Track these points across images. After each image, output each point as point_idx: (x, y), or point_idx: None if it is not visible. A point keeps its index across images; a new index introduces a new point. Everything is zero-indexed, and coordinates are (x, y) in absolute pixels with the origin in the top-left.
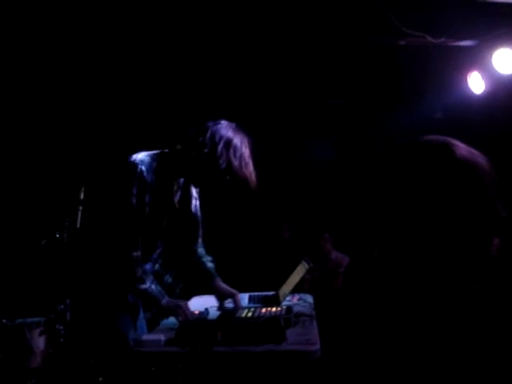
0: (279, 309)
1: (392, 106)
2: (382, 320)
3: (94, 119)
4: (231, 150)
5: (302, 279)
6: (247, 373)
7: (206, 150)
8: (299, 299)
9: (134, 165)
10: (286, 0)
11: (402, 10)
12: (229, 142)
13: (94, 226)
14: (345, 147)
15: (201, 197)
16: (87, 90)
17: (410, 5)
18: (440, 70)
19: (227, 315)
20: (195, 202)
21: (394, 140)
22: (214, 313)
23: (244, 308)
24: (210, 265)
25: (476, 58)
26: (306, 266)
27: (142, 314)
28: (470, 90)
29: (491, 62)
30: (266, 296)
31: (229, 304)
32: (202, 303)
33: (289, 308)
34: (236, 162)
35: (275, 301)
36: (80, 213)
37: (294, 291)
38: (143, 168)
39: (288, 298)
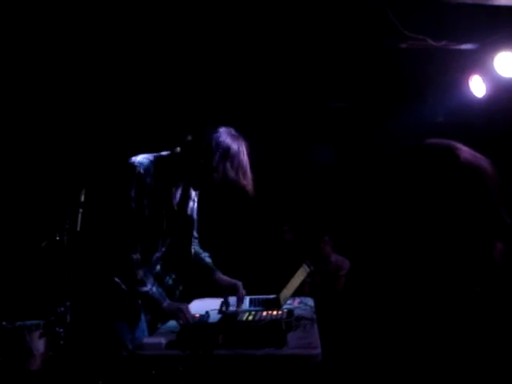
0: (280, 312)
1: (393, 109)
2: (383, 323)
3: (95, 122)
4: (228, 160)
5: (303, 282)
6: (248, 376)
7: (202, 160)
8: (300, 302)
9: (133, 167)
10: (289, 3)
11: (404, 13)
12: (226, 152)
13: (94, 229)
14: (346, 150)
15: (200, 199)
16: (87, 92)
17: (411, 8)
18: (441, 73)
19: (228, 318)
20: (192, 204)
21: (395, 143)
22: (214, 316)
23: (245, 311)
24: (207, 260)
25: (477, 61)
26: (307, 269)
27: (143, 317)
28: (471, 93)
29: (493, 65)
30: (267, 299)
31: (230, 307)
32: (202, 306)
33: (290, 311)
34: (232, 173)
35: (276, 304)
36: (80, 215)
37: (294, 294)
38: (142, 170)
39: (289, 302)
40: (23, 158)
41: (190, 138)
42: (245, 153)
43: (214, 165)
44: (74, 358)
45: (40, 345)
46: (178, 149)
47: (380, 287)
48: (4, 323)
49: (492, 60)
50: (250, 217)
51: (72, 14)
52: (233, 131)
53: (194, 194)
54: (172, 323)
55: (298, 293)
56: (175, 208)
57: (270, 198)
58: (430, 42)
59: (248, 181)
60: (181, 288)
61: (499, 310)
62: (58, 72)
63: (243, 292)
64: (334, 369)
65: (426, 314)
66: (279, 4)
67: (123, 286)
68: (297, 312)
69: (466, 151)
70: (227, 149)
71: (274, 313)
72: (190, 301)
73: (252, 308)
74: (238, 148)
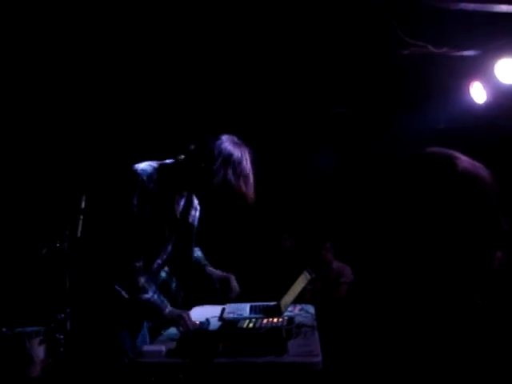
0: (281, 320)
1: (394, 115)
2: (383, 332)
3: (95, 128)
4: (230, 167)
5: (304, 289)
6: None
7: (203, 165)
8: (301, 310)
9: (136, 174)
10: (290, 8)
11: (405, 20)
12: (228, 159)
13: (95, 236)
14: (347, 156)
15: (201, 207)
16: (89, 98)
17: (412, 14)
18: (442, 80)
19: (228, 326)
20: (194, 213)
21: (396, 149)
22: (214, 323)
23: (245, 318)
24: (197, 253)
25: (478, 67)
26: (308, 276)
27: (144, 324)
28: (472, 99)
29: (493, 72)
30: (268, 306)
31: (230, 315)
32: (202, 313)
33: (290, 319)
34: (234, 180)
35: (277, 311)
36: (81, 222)
37: (295, 302)
38: (145, 177)
39: (289, 309)
40: (24, 164)
41: (193, 146)
42: (248, 160)
43: (214, 170)
44: (74, 365)
45: (40, 351)
46: (182, 157)
47: (380, 296)
48: (4, 329)
49: (493, 67)
50: (251, 223)
51: (76, 19)
52: (235, 139)
53: (196, 202)
54: (173, 330)
55: (298, 300)
56: (178, 216)
57: (270, 205)
58: (431, 48)
59: (249, 188)
60: (182, 295)
61: (499, 321)
62: (59, 77)
63: (236, 284)
64: (335, 377)
65: (426, 325)
66: (281, 10)
67: (124, 294)
68: (297, 319)
69: (464, 160)
70: (229, 155)
71: (275, 320)
72: (190, 308)
73: (252, 315)
74: (241, 155)
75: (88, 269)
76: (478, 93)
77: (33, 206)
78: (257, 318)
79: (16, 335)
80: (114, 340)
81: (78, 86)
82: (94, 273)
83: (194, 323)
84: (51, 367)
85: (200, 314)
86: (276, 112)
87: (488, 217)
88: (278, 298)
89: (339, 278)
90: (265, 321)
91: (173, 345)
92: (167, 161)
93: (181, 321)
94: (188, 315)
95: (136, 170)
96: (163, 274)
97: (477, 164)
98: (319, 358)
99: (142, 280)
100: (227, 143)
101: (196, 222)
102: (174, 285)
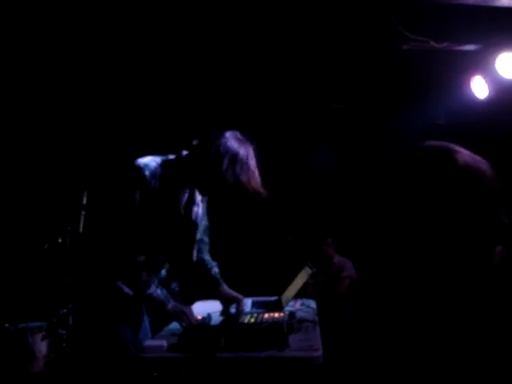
0: (282, 314)
1: (395, 110)
2: (384, 327)
3: (96, 123)
4: (238, 165)
5: (305, 284)
6: (250, 379)
7: (211, 165)
8: (302, 304)
9: (139, 169)
10: (291, 5)
11: (406, 15)
12: (235, 156)
13: (98, 231)
14: (347, 152)
15: (207, 203)
16: (90, 93)
17: (413, 9)
18: (443, 75)
19: (230, 321)
20: (196, 209)
21: (396, 145)
22: (216, 318)
23: (247, 313)
24: (215, 270)
25: (479, 62)
26: (309, 271)
27: (146, 319)
28: (473, 94)
29: (494, 67)
30: (269, 301)
31: (232, 309)
32: (204, 308)
33: (291, 313)
34: (244, 177)
35: (278, 306)
36: (82, 217)
37: (296, 296)
38: (147, 173)
39: (291, 304)
40: (25, 161)
41: (196, 142)
42: (253, 156)
43: (223, 170)
44: (77, 360)
45: (42, 347)
46: (185, 152)
47: (381, 291)
48: (7, 325)
49: (494, 61)
50: (253, 218)
51: (78, 17)
52: (239, 135)
53: (198, 199)
54: (174, 325)
55: (300, 294)
56: (182, 211)
57: (272, 200)
58: (432, 43)
59: (258, 184)
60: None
61: (501, 316)
62: (60, 72)
63: (243, 307)
64: (336, 371)
65: (426, 320)
66: (281, 6)
67: (126, 290)
68: (299, 314)
69: (464, 154)
70: (235, 153)
71: (276, 315)
72: (191, 302)
73: (254, 310)
74: (246, 152)
75: (90, 264)
76: (479, 87)
77: (35, 201)
78: (258, 313)
79: (19, 330)
80: (116, 335)
81: (79, 80)
82: (96, 268)
83: (196, 318)
84: (54, 362)
85: (201, 308)
86: (276, 108)
87: (488, 210)
88: (280, 292)
89: (340, 272)
90: (266, 315)
91: (174, 340)
92: (170, 156)
93: (183, 316)
94: (190, 310)
95: (139, 165)
96: (163, 272)
97: (477, 157)
98: (320, 353)
99: (144, 275)
100: (232, 140)
101: (198, 220)
102: (173, 284)
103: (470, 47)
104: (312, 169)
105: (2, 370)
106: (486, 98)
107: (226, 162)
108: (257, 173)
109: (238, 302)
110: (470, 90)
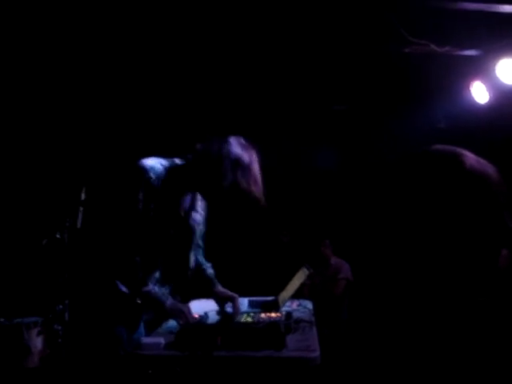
0: (279, 314)
1: (395, 113)
2: (382, 328)
3: (95, 119)
4: (239, 170)
5: (302, 285)
6: (246, 378)
7: (213, 171)
8: (299, 305)
9: (144, 170)
10: (292, 7)
11: (408, 18)
12: (237, 162)
13: (97, 228)
14: (347, 153)
15: (210, 209)
16: (89, 90)
17: (415, 13)
18: (444, 79)
19: (227, 320)
20: (196, 216)
21: (396, 147)
22: (213, 317)
23: (243, 313)
24: (210, 271)
25: (480, 67)
26: (306, 271)
27: (142, 324)
28: (473, 99)
29: (495, 72)
30: (266, 301)
31: (229, 308)
32: (200, 307)
33: (288, 314)
34: (244, 183)
35: (274, 306)
36: (81, 213)
37: (293, 297)
38: (152, 175)
39: (287, 304)
40: (23, 155)
41: (199, 146)
42: (256, 161)
43: (225, 175)
44: (72, 356)
45: (38, 342)
46: (189, 157)
47: (382, 292)
48: (2, 320)
49: (494, 66)
50: (250, 219)
51: (79, 17)
52: (242, 140)
53: (199, 205)
54: (171, 323)
55: (297, 295)
56: (182, 215)
57: (269, 200)
58: (433, 47)
59: (259, 190)
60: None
61: (503, 319)
62: (60, 70)
63: (239, 306)
64: (333, 372)
65: (428, 321)
66: (283, 8)
67: (123, 288)
68: (295, 314)
69: (471, 158)
70: (238, 159)
71: (273, 315)
72: (187, 301)
73: (251, 310)
74: (249, 158)
75: (88, 261)
76: (480, 92)
77: (33, 197)
78: (255, 313)
79: (14, 326)
80: (111, 332)
81: (79, 78)
82: (93, 265)
83: (193, 317)
84: (49, 358)
85: (198, 307)
86: (276, 109)
87: (494, 214)
88: (277, 293)
89: (337, 274)
90: (263, 315)
91: (172, 337)
92: (176, 160)
93: (181, 314)
94: (188, 308)
95: (144, 166)
96: (157, 275)
97: (483, 161)
98: (317, 353)
99: (142, 274)
100: (235, 146)
101: (197, 226)
102: (165, 288)
103: (471, 52)
104: (311, 170)
105: None
106: (486, 103)
107: (228, 167)
108: (259, 178)
109: (234, 301)
110: (471, 94)
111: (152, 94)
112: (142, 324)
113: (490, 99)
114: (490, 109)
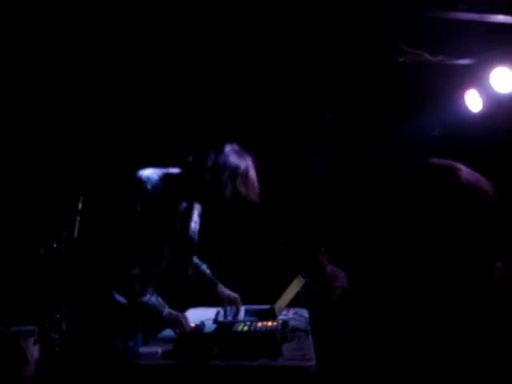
0: (275, 323)
1: (389, 122)
2: (379, 337)
3: (93, 129)
4: (239, 179)
5: (298, 293)
6: None
7: (212, 179)
8: (295, 313)
9: (141, 182)
10: (287, 15)
11: (402, 28)
12: (235, 171)
13: (95, 239)
14: (341, 162)
15: (208, 217)
16: (88, 98)
17: (409, 22)
18: (438, 88)
19: (223, 329)
20: (194, 226)
21: (390, 156)
22: (210, 326)
23: (240, 322)
24: (208, 272)
25: (474, 76)
26: (302, 280)
27: (139, 335)
28: (467, 107)
29: (489, 81)
30: (262, 310)
31: (228, 317)
32: (197, 315)
33: (285, 322)
34: (244, 190)
35: (271, 315)
36: (78, 223)
37: (289, 305)
38: (149, 186)
39: (284, 313)
40: (21, 164)
41: (195, 157)
42: (251, 166)
43: (225, 187)
44: (69, 365)
45: (34, 351)
46: (186, 168)
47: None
48: None
49: (488, 75)
50: (246, 227)
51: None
52: (237, 148)
53: (196, 215)
54: (169, 332)
55: (293, 303)
56: (178, 227)
57: (265, 208)
58: (427, 56)
59: (257, 195)
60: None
61: (501, 332)
62: (60, 77)
63: (241, 306)
64: (329, 381)
65: (423, 334)
66: (278, 15)
67: (120, 299)
68: (292, 323)
69: (466, 172)
70: (236, 168)
71: (269, 324)
72: (184, 309)
73: (247, 318)
74: (246, 164)
75: (84, 271)
76: (473, 101)
77: (30, 206)
78: (251, 322)
79: (11, 334)
80: (108, 341)
81: (78, 86)
82: (90, 275)
83: (189, 326)
84: (45, 367)
85: (194, 316)
86: (271, 118)
87: (489, 228)
88: (273, 301)
89: (333, 282)
90: (259, 324)
91: (168, 347)
92: (172, 170)
93: (178, 323)
94: (185, 318)
95: (141, 178)
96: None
97: (478, 175)
98: (313, 363)
99: (138, 286)
100: (231, 155)
101: (196, 236)
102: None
103: (465, 61)
104: (306, 178)
105: None
106: (479, 112)
107: (226, 175)
108: (256, 184)
109: (236, 302)
110: (464, 103)
111: (149, 105)
112: (139, 333)
113: (483, 108)
114: (483, 117)
